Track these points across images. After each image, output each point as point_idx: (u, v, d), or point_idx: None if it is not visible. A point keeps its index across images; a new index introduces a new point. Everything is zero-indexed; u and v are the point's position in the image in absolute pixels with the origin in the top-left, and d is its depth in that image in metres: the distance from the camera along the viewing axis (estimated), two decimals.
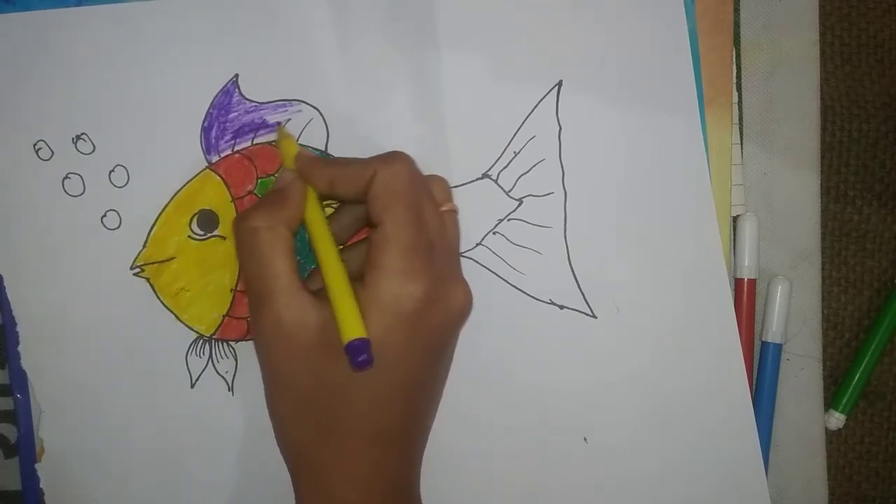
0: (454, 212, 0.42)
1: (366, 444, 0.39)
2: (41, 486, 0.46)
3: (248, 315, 0.46)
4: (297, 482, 0.40)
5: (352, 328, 0.36)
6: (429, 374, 0.40)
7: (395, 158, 0.40)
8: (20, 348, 0.46)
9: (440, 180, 0.42)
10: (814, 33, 0.48)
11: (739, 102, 0.48)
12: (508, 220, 0.47)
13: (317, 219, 0.40)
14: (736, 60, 0.48)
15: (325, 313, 0.38)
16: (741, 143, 0.48)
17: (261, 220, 0.39)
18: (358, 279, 0.38)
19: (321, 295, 0.38)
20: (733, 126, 0.47)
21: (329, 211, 0.44)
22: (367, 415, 0.39)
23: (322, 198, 0.42)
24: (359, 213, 0.43)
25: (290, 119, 0.46)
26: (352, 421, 0.39)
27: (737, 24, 0.48)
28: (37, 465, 0.46)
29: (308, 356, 0.38)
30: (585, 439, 0.47)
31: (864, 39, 0.49)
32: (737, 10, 0.48)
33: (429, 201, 0.40)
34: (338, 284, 0.38)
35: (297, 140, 0.45)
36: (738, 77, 0.48)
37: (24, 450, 0.47)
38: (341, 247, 0.44)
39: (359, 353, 0.36)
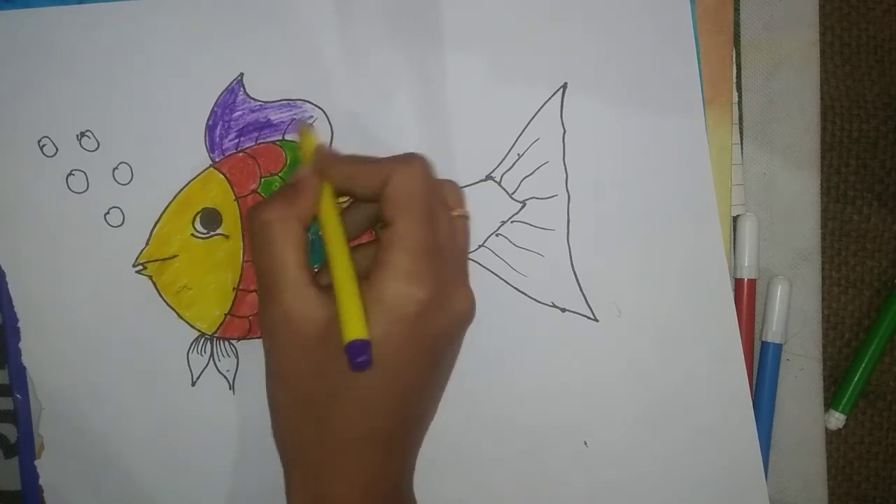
0: (465, 217, 0.42)
1: (360, 443, 0.39)
2: (40, 482, 0.46)
3: (249, 314, 0.46)
4: (289, 477, 0.40)
5: (354, 328, 0.36)
6: (427, 378, 0.40)
7: (413, 160, 0.40)
8: (21, 345, 0.46)
9: (452, 185, 0.42)
10: (814, 33, 0.48)
11: (739, 102, 0.48)
12: (511, 222, 0.47)
13: (330, 215, 0.40)
14: (736, 60, 0.48)
15: (332, 310, 0.37)
16: (741, 143, 0.48)
17: (274, 214, 0.39)
18: (365, 278, 0.38)
19: (329, 291, 0.38)
20: (733, 126, 0.48)
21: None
22: (363, 415, 0.39)
23: (337, 194, 0.41)
24: (371, 212, 0.43)
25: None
26: (348, 420, 0.39)
27: (737, 24, 0.48)
28: (36, 462, 0.46)
29: (311, 351, 0.38)
30: (586, 443, 0.47)
31: (864, 39, 0.50)
32: (737, 10, 0.48)
33: (441, 205, 0.40)
34: (345, 283, 0.38)
35: None
36: (738, 77, 0.48)
37: (24, 450, 0.47)
38: (352, 245, 0.45)
39: (359, 353, 0.35)
